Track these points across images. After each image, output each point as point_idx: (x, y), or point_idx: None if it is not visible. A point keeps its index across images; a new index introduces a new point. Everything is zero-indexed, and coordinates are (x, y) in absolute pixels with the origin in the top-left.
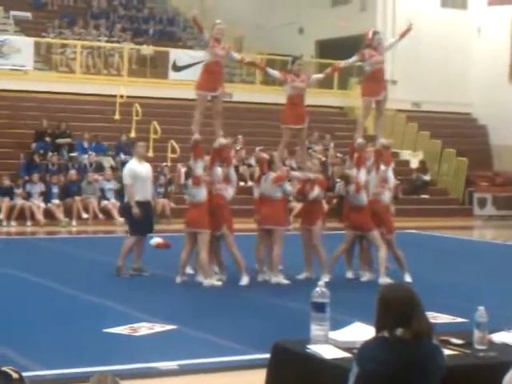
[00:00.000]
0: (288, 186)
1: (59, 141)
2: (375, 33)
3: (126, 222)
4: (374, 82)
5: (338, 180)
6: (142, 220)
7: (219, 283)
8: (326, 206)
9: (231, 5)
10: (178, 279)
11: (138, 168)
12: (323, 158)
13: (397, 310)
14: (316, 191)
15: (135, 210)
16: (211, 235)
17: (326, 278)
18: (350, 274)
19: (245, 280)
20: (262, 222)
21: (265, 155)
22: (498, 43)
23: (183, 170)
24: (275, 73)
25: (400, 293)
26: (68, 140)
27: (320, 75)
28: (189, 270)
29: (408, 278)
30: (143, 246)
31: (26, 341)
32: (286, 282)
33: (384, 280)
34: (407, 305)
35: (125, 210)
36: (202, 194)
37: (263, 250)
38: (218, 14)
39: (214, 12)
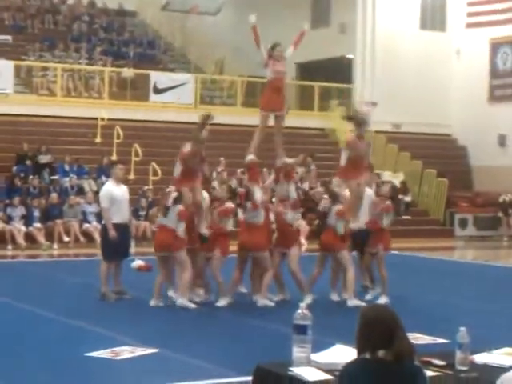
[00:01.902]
0: (229, 223)
1: (40, 158)
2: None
3: (101, 246)
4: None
5: (325, 196)
6: (117, 243)
7: (193, 306)
8: (307, 228)
9: (211, 27)
10: (153, 302)
11: (115, 190)
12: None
13: (378, 332)
14: (289, 214)
15: (112, 233)
16: (203, 257)
17: (308, 300)
18: (334, 297)
19: (222, 302)
20: (241, 248)
21: (241, 189)
22: (477, 65)
23: (174, 194)
24: (263, 53)
25: (381, 314)
26: (48, 156)
27: (290, 49)
28: (243, 290)
29: (384, 299)
30: (120, 269)
31: (7, 366)
32: (271, 304)
33: (353, 302)
34: (388, 326)
35: (101, 234)
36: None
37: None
38: (199, 36)
39: (195, 34)
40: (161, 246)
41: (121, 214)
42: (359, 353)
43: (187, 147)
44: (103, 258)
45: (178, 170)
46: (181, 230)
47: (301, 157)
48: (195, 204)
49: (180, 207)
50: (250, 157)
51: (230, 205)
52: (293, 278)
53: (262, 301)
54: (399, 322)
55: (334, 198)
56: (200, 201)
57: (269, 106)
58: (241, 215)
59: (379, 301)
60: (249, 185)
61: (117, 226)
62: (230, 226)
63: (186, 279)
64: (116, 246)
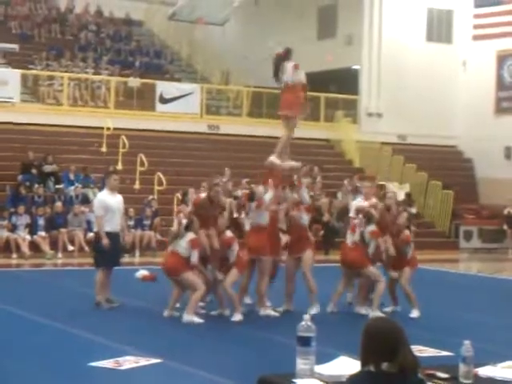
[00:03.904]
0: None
1: (45, 168)
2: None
3: (93, 254)
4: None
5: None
6: (108, 252)
7: (200, 320)
8: (312, 239)
9: (218, 38)
10: (166, 313)
11: (108, 199)
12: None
13: (382, 345)
14: (304, 218)
15: (105, 241)
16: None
17: (314, 310)
18: (363, 310)
19: (237, 317)
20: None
21: (245, 191)
22: (483, 77)
23: (184, 221)
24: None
25: (385, 326)
26: (53, 166)
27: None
28: (248, 301)
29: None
30: (110, 278)
31: (9, 375)
32: (275, 314)
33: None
34: (392, 339)
35: (94, 242)
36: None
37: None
38: (205, 47)
39: (201, 44)
40: (168, 272)
41: (113, 223)
42: (363, 365)
43: (202, 194)
44: (96, 266)
45: (187, 210)
46: (194, 259)
47: (305, 168)
48: (212, 249)
49: (191, 235)
50: (271, 158)
51: (229, 234)
52: (305, 283)
53: (264, 311)
54: (403, 334)
55: (369, 218)
56: (217, 246)
57: (286, 108)
58: (247, 225)
59: (412, 315)
60: (254, 187)
61: (108, 235)
62: (233, 256)
63: (197, 297)
64: (107, 254)
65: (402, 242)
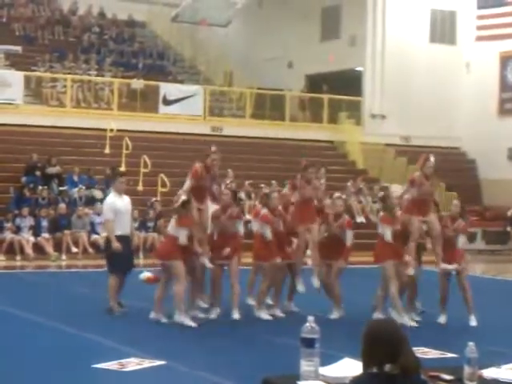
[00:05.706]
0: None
1: (49, 169)
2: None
3: (106, 260)
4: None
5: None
6: (121, 256)
7: (193, 324)
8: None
9: (221, 39)
10: (152, 315)
11: (118, 202)
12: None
13: (383, 347)
14: (349, 234)
15: (116, 245)
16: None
17: (335, 315)
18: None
19: (235, 315)
20: (254, 258)
21: (264, 191)
22: (487, 78)
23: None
24: None
25: (386, 328)
26: (57, 168)
27: None
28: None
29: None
30: (123, 283)
31: (12, 378)
32: (267, 317)
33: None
34: (394, 339)
35: (105, 246)
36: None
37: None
38: (208, 48)
39: (204, 46)
40: (156, 255)
41: (123, 226)
42: (366, 367)
43: (198, 163)
44: (109, 272)
45: (187, 185)
46: (183, 237)
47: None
48: (201, 226)
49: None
50: None
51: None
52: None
53: (258, 312)
54: (404, 336)
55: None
56: (206, 224)
57: None
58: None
59: (471, 323)
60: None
61: (119, 238)
62: (241, 230)
63: (179, 292)
64: (120, 258)
65: (456, 232)
